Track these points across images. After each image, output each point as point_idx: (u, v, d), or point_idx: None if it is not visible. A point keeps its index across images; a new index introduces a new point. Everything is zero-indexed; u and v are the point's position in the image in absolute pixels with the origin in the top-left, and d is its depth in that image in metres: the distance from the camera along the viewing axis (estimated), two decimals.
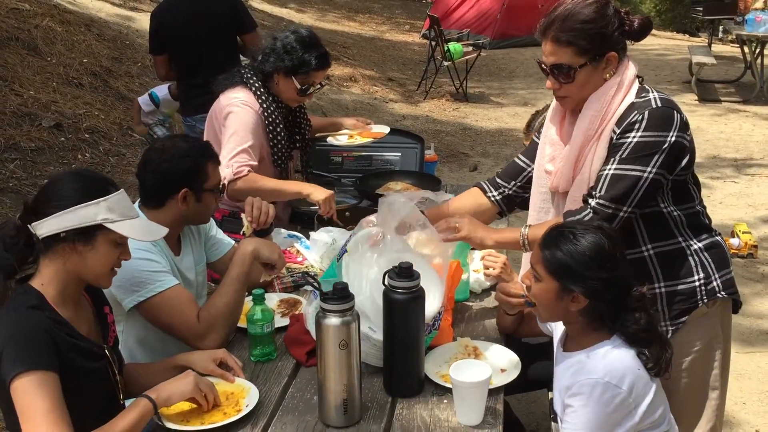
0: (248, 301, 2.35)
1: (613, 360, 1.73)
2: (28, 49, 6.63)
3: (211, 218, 2.50)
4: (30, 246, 1.76)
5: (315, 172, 3.29)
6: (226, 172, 2.78)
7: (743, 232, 5.07)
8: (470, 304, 2.45)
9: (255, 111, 2.89)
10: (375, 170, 3.42)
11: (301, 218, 3.15)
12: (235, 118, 2.85)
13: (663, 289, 2.05)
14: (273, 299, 2.43)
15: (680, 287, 2.04)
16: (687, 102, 9.53)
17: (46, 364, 1.65)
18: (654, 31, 19.32)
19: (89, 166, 5.41)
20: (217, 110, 2.94)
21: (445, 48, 9.54)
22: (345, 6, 17.30)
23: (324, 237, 2.64)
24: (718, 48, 12.98)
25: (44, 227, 1.73)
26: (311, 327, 2.10)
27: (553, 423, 1.97)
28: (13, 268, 1.76)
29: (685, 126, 1.98)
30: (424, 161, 3.45)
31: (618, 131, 1.99)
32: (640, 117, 1.95)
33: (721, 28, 14.94)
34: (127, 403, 1.86)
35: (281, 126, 2.97)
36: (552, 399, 1.99)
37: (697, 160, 5.81)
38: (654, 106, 1.97)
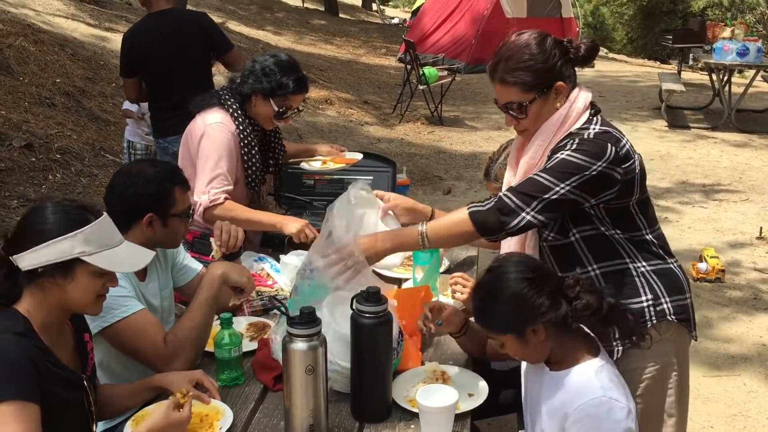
0: (216, 325, 2.35)
1: (604, 377, 1.77)
2: (0, 68, 6.58)
3: (180, 244, 2.49)
4: (13, 277, 1.75)
5: (287, 195, 3.29)
6: (202, 198, 2.78)
7: (711, 257, 5.14)
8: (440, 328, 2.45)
9: (231, 132, 2.90)
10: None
11: (272, 241, 3.15)
12: (211, 139, 2.86)
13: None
14: (242, 323, 2.43)
15: (628, 306, 2.01)
16: (657, 128, 9.72)
17: (27, 394, 1.61)
18: (625, 58, 19.82)
19: (60, 187, 5.37)
20: (193, 130, 2.94)
21: (420, 72, 9.64)
22: (322, 29, 17.43)
23: (294, 260, 2.65)
24: (687, 75, 13.25)
25: (24, 261, 1.72)
26: (278, 355, 2.10)
27: None
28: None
29: (620, 160, 1.97)
30: (396, 185, 3.47)
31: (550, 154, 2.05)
32: (571, 141, 1.99)
33: (691, 55, 15.31)
34: (100, 426, 1.83)
35: (256, 149, 2.98)
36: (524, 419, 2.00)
37: (667, 185, 5.94)
38: (586, 136, 2.00)
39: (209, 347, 2.21)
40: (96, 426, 1.94)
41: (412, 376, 2.12)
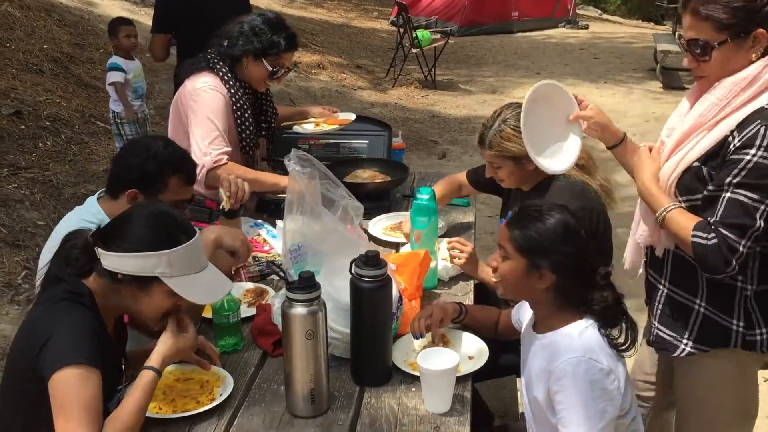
0: None
1: (588, 338, 1.74)
2: None
3: None
4: (91, 263, 1.74)
5: (280, 160, 3.24)
6: (204, 160, 2.73)
7: None
8: (438, 291, 2.44)
9: (222, 95, 2.85)
10: (342, 158, 3.39)
11: (268, 206, 3.11)
12: (203, 102, 2.80)
13: (701, 309, 1.94)
14: (239, 289, 2.40)
15: (716, 319, 1.91)
16: (652, 89, 9.65)
17: (94, 360, 1.61)
18: (620, 20, 19.60)
19: (50, 155, 5.30)
20: (184, 95, 2.89)
21: (413, 35, 9.51)
22: None
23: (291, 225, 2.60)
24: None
25: (106, 260, 1.72)
26: (278, 320, 2.09)
27: (527, 408, 1.95)
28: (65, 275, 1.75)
29: None
30: (392, 149, 3.43)
31: (736, 140, 1.74)
32: (762, 131, 1.70)
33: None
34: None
35: (249, 111, 2.93)
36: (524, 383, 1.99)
37: None
38: None
39: (207, 313, 2.20)
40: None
41: (412, 340, 2.11)
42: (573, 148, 2.26)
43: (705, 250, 1.75)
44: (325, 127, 3.21)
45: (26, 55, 6.48)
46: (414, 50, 9.62)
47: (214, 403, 1.83)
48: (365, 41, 12.79)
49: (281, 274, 1.84)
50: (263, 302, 2.33)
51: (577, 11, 16.51)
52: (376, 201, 3.07)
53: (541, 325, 1.86)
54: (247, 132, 2.92)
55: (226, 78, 2.88)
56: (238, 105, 2.89)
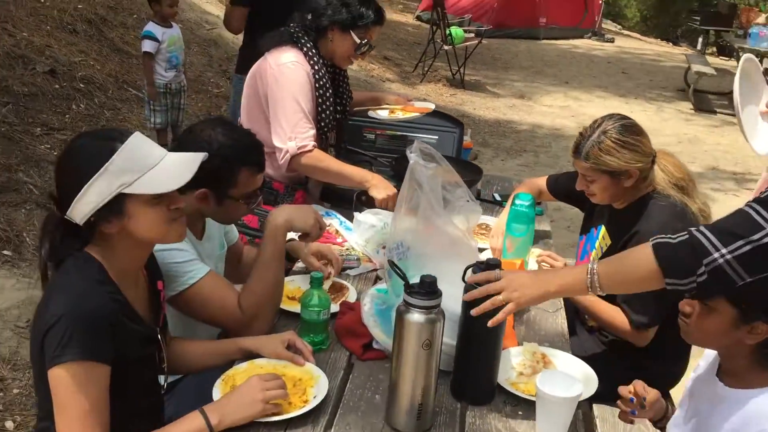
0: (288, 282, 2.18)
1: None
2: None
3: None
4: (77, 234, 1.55)
5: (350, 148, 3.09)
6: (289, 145, 2.57)
7: None
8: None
9: (306, 72, 2.69)
10: None
11: (333, 195, 2.96)
12: (288, 80, 2.65)
13: None
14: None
15: None
16: (683, 110, 9.54)
17: (101, 354, 1.46)
18: (639, 36, 19.44)
19: (84, 118, 5.13)
20: (265, 70, 2.72)
21: (447, 32, 9.35)
22: None
23: (372, 220, 2.46)
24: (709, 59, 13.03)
25: (75, 215, 1.52)
26: (369, 321, 1.94)
27: None
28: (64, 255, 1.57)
29: None
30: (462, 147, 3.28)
31: None
32: None
33: (699, 40, 14.91)
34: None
35: (330, 91, 2.78)
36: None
37: (698, 169, 5.65)
38: None
39: (291, 306, 2.04)
40: (165, 385, 1.79)
41: (510, 358, 1.96)
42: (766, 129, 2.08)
43: (671, 248, 1.53)
44: (400, 115, 3.04)
45: (61, 13, 6.28)
46: (446, 47, 9.46)
47: (309, 407, 1.67)
48: (391, 34, 12.60)
49: (399, 273, 1.67)
50: (344, 299, 2.18)
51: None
52: None
53: (733, 377, 1.60)
54: (327, 113, 2.77)
55: (310, 54, 2.72)
56: (321, 83, 2.73)
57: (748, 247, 1.43)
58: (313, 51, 2.74)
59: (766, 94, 2.03)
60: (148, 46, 4.89)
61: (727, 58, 14.45)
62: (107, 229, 1.54)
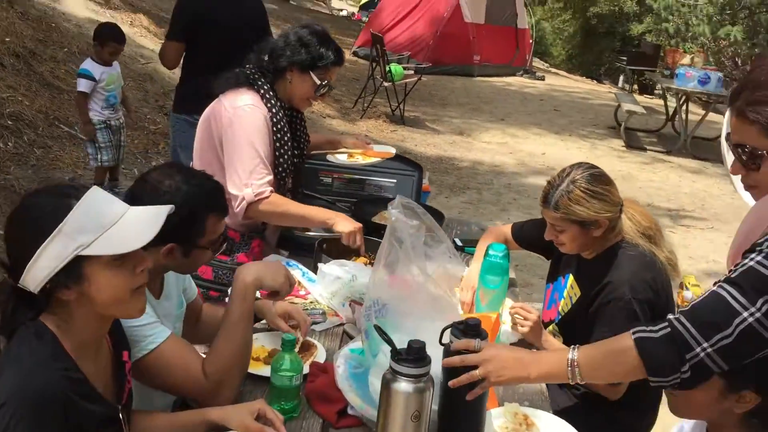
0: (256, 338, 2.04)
1: None
2: None
3: None
4: (31, 303, 1.40)
5: (307, 193, 2.98)
6: (245, 192, 2.44)
7: (693, 285, 5.09)
8: None
9: (263, 115, 2.58)
10: (367, 196, 3.15)
11: (290, 243, 2.84)
12: (244, 123, 2.52)
13: None
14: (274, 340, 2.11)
15: None
16: (615, 147, 9.80)
17: None
18: (565, 74, 20.05)
19: (12, 157, 4.85)
20: (219, 113, 2.59)
21: (387, 68, 9.38)
22: (273, 14, 16.88)
23: (337, 271, 2.34)
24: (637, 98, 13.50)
25: (29, 282, 1.37)
26: (344, 385, 1.82)
27: None
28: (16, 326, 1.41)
29: None
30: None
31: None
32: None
33: (621, 77, 15.51)
34: None
35: (288, 135, 2.67)
36: None
37: None
38: None
39: (257, 369, 1.90)
40: None
41: (492, 419, 1.86)
42: None
43: (654, 344, 1.48)
44: (360, 160, 2.95)
45: None
46: (386, 83, 9.48)
47: None
48: None
49: (385, 337, 1.56)
50: (313, 358, 2.05)
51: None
52: None
53: None
54: (285, 157, 2.65)
55: (267, 96, 2.62)
56: (279, 126, 2.62)
57: (727, 341, 1.41)
58: (271, 93, 2.64)
59: None
60: (83, 85, 4.69)
61: (650, 96, 15.05)
62: (64, 296, 1.40)
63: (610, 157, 9.21)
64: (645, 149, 9.86)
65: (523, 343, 2.30)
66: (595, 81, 20.85)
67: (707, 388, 1.52)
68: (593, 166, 2.25)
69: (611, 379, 1.68)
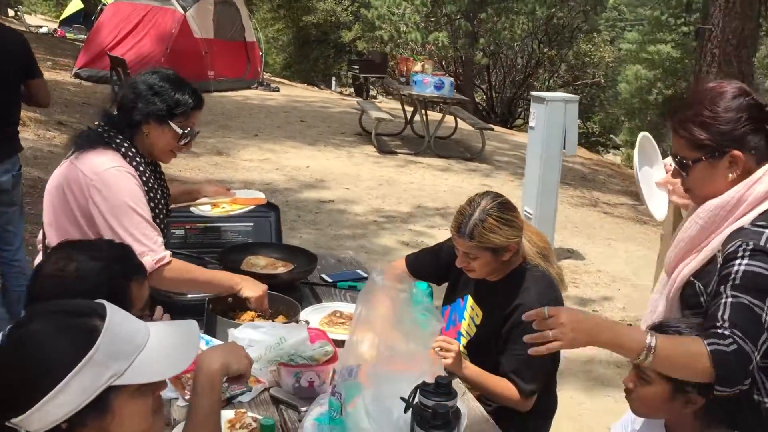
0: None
1: None
2: None
3: None
4: None
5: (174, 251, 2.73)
6: (145, 260, 2.16)
7: None
8: None
9: (131, 174, 2.34)
10: (226, 243, 2.98)
11: (172, 308, 2.59)
12: (117, 188, 2.27)
13: None
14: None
15: None
16: (369, 153, 10.26)
17: None
18: (288, 82, 20.54)
19: None
20: (76, 181, 2.29)
21: None
22: None
23: (253, 335, 2.17)
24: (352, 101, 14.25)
25: (33, 423, 1.15)
26: None
27: None
28: None
29: None
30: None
31: (720, 258, 1.76)
32: (742, 249, 1.70)
33: (333, 81, 16.51)
34: None
35: (156, 191, 2.44)
36: None
37: (407, 209, 6.34)
38: (763, 244, 1.69)
39: None
40: None
41: None
42: (662, 197, 2.32)
43: (727, 357, 1.60)
44: (227, 208, 2.78)
45: None
46: None
47: None
48: (56, 95, 11.41)
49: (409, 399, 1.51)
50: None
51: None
52: (289, 293, 2.72)
53: None
54: (161, 216, 2.42)
55: (130, 154, 2.38)
56: (150, 185, 2.40)
57: (765, 345, 1.66)
58: (133, 150, 2.39)
59: (659, 164, 2.33)
60: None
61: (377, 100, 16.03)
62: None
63: (368, 163, 9.64)
64: (395, 153, 10.47)
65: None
66: (316, 87, 21.66)
67: (655, 391, 1.74)
68: (499, 195, 2.38)
69: (676, 374, 1.72)
